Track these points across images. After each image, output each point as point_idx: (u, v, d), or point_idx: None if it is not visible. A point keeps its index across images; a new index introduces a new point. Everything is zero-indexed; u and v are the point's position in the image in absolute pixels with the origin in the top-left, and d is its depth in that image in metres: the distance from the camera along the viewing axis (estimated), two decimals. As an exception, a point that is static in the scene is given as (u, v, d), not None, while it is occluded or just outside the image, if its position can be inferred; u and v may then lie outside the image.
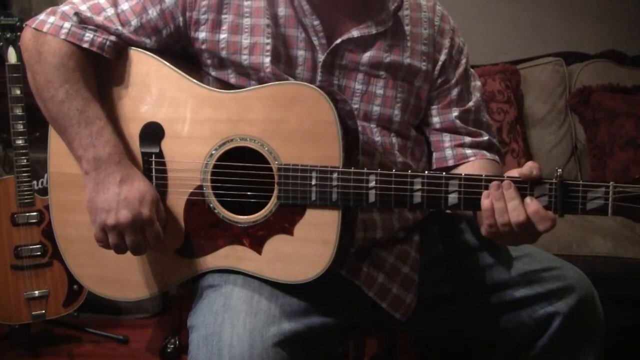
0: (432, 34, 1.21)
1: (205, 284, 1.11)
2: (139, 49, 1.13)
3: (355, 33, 1.13)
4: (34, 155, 2.01)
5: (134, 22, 1.12)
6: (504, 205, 0.95)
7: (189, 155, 1.10)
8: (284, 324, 1.01)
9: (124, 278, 1.16)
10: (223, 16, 1.12)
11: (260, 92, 1.06)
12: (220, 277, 1.09)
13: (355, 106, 1.14)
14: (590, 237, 1.94)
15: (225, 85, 1.14)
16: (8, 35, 1.99)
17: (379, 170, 1.01)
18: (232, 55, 1.11)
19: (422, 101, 1.22)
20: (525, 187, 0.96)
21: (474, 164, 1.21)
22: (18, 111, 1.97)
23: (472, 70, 1.28)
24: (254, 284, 1.06)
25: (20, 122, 1.98)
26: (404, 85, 1.18)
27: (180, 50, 1.17)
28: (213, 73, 1.15)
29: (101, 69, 1.14)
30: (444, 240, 1.23)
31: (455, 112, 1.23)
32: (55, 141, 1.15)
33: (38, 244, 2.05)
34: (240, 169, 1.07)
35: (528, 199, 0.95)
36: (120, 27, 1.11)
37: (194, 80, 1.10)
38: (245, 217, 1.07)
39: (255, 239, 1.07)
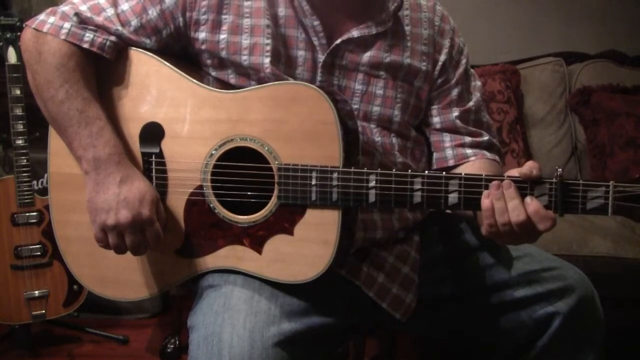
0: (432, 34, 1.21)
1: (206, 284, 1.11)
2: (139, 49, 1.13)
3: (355, 33, 1.13)
4: (34, 155, 2.01)
5: (134, 22, 1.12)
6: (504, 204, 0.95)
7: (189, 155, 1.10)
8: (284, 324, 1.01)
9: (124, 278, 1.16)
10: (223, 16, 1.12)
11: (260, 92, 1.06)
12: (221, 277, 1.09)
13: (355, 106, 1.14)
14: (590, 237, 1.94)
15: (225, 85, 1.14)
16: (8, 35, 2.00)
17: (379, 170, 1.01)
18: (232, 55, 1.11)
19: (422, 101, 1.22)
20: (525, 186, 0.96)
21: (474, 164, 1.21)
22: (18, 111, 1.98)
23: (472, 70, 1.28)
24: (254, 284, 1.06)
25: (20, 122, 1.98)
26: (404, 86, 1.18)
27: (180, 50, 1.17)
28: (213, 73, 1.15)
29: (101, 69, 1.14)
30: (444, 240, 1.23)
31: (455, 112, 1.23)
32: (55, 141, 1.15)
33: (38, 244, 2.04)
34: (241, 169, 1.07)
35: (528, 199, 0.95)
36: (120, 28, 1.11)
37: (194, 81, 1.10)
38: (246, 217, 1.07)
39: (256, 239, 1.07)
